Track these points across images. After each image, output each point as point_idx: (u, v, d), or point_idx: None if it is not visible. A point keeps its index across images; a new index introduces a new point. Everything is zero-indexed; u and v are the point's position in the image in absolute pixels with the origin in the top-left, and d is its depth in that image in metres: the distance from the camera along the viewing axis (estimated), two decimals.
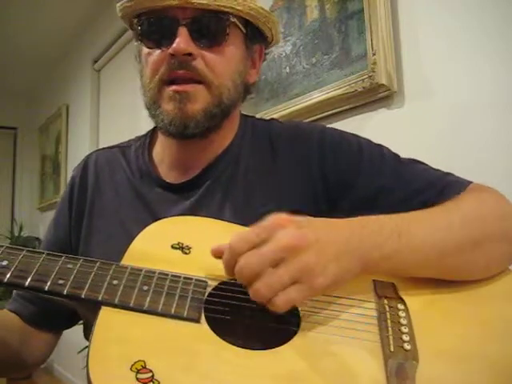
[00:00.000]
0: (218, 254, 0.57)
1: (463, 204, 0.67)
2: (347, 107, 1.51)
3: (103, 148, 0.90)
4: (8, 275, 0.58)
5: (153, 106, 0.73)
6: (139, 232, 0.66)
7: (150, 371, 0.49)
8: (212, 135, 0.76)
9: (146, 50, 0.74)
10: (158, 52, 0.71)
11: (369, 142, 0.80)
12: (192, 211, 0.74)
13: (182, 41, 0.68)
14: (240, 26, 0.73)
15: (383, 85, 1.37)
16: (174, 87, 0.70)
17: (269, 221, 0.55)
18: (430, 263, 0.62)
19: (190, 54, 0.69)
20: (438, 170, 0.76)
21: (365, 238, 0.59)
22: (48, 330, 0.81)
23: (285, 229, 0.53)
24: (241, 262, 0.53)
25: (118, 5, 0.74)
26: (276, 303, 0.51)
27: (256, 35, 0.77)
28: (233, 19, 0.71)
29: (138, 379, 0.48)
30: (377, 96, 1.41)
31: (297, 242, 0.52)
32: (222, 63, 0.72)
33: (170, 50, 0.68)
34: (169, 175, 0.80)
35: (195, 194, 0.76)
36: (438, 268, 0.63)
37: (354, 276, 0.58)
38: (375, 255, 0.59)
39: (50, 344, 0.83)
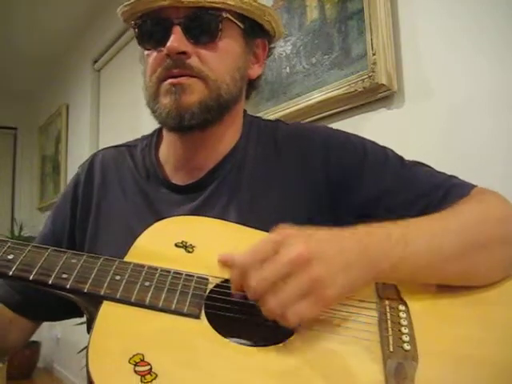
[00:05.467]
0: (225, 263, 0.58)
1: (465, 208, 0.67)
2: (347, 107, 1.51)
3: (110, 147, 0.90)
4: (13, 269, 0.59)
5: (152, 102, 0.74)
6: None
7: (149, 364, 0.49)
8: (211, 128, 0.76)
9: (145, 51, 0.75)
10: (155, 53, 0.73)
11: (373, 143, 0.79)
12: (197, 213, 0.74)
13: (175, 40, 0.69)
14: (235, 21, 0.73)
15: (383, 85, 1.37)
16: (169, 80, 0.71)
17: (275, 234, 0.55)
18: (435, 270, 0.62)
19: (184, 53, 0.70)
20: (442, 172, 0.76)
21: (372, 247, 0.58)
22: (30, 318, 0.82)
23: (292, 242, 0.53)
24: (249, 279, 0.52)
25: (118, 10, 0.75)
26: (287, 318, 0.51)
27: (255, 29, 0.77)
28: (225, 15, 0.71)
29: (135, 371, 0.49)
30: (377, 96, 1.42)
31: (305, 255, 0.51)
32: (218, 59, 0.72)
33: (165, 50, 0.70)
34: (175, 176, 0.80)
35: (200, 196, 0.77)
36: (442, 274, 0.62)
37: (362, 286, 0.58)
38: (384, 265, 0.58)
39: (28, 332, 0.83)
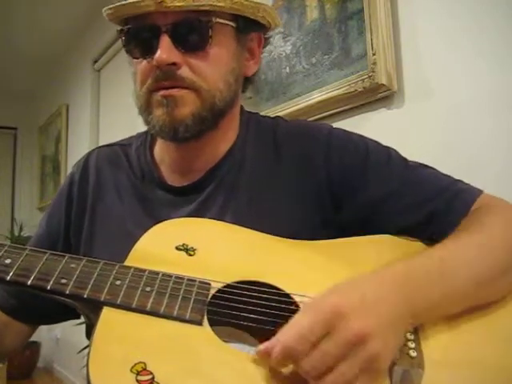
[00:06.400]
0: (265, 356, 0.50)
1: (492, 230, 0.65)
2: (347, 107, 1.51)
3: (103, 145, 0.88)
4: (11, 273, 0.57)
5: (144, 113, 0.72)
6: (141, 234, 0.66)
7: (151, 373, 0.48)
8: (208, 135, 0.74)
9: (134, 59, 0.73)
10: (144, 62, 0.70)
11: (377, 144, 0.78)
12: (195, 215, 0.73)
13: (164, 51, 0.66)
14: (226, 22, 0.70)
15: (383, 85, 1.37)
16: (161, 92, 0.69)
17: (318, 307, 0.50)
18: (469, 298, 0.60)
19: (174, 64, 0.67)
20: (447, 175, 0.74)
21: (414, 295, 0.56)
22: (25, 322, 0.81)
23: (344, 319, 0.49)
24: (303, 362, 0.48)
25: (103, 11, 0.72)
26: None
27: (249, 25, 0.73)
28: (215, 20, 0.68)
29: (137, 381, 0.48)
30: (377, 96, 1.41)
31: (362, 334, 0.48)
32: (210, 67, 0.69)
33: (154, 62, 0.67)
34: (170, 177, 0.79)
35: (198, 198, 0.75)
36: (473, 301, 0.61)
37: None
38: (425, 307, 0.57)
39: (25, 335, 0.83)
